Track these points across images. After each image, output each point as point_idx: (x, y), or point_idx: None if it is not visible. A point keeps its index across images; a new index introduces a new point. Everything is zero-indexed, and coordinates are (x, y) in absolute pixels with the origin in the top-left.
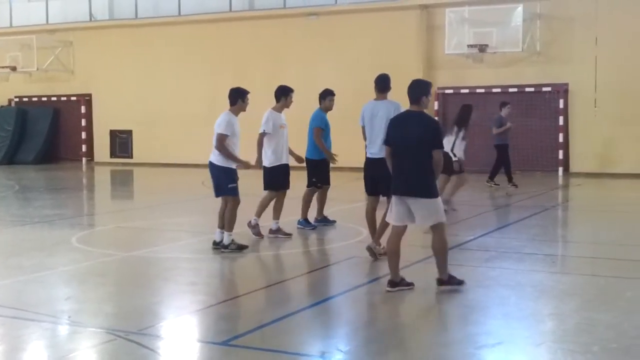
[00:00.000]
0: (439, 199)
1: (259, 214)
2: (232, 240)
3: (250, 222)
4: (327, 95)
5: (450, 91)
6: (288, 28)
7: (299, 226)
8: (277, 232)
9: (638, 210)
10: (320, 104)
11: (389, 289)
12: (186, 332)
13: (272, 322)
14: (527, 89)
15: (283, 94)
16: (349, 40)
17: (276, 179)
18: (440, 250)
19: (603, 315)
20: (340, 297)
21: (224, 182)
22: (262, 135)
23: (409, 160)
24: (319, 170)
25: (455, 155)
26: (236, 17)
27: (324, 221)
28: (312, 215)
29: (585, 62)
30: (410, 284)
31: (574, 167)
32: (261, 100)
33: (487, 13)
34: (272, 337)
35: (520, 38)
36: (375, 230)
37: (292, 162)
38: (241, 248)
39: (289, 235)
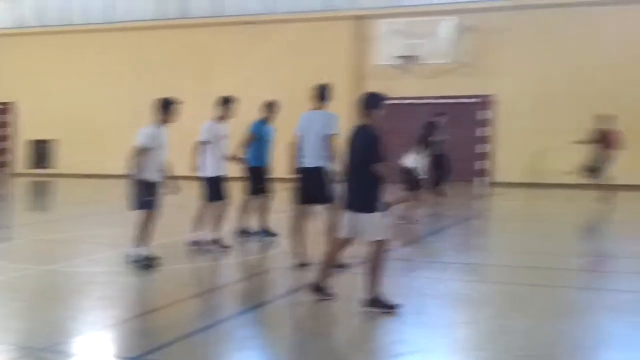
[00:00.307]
0: (381, 215)
1: (198, 228)
2: (143, 256)
3: (193, 240)
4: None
5: None
6: (222, 37)
7: (262, 238)
8: (214, 243)
9: (556, 220)
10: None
11: (312, 293)
12: (99, 348)
13: (187, 336)
14: (455, 100)
15: (223, 105)
16: (283, 50)
17: (218, 190)
18: (373, 268)
19: (516, 322)
20: (259, 310)
21: (140, 194)
22: (201, 144)
23: (351, 175)
24: (259, 177)
25: (416, 172)
26: (169, 25)
27: (266, 233)
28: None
29: (512, 74)
30: (332, 295)
31: (499, 177)
32: (193, 111)
33: (418, 25)
34: (187, 351)
35: (449, 50)
36: (298, 240)
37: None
38: (150, 266)
39: (227, 247)
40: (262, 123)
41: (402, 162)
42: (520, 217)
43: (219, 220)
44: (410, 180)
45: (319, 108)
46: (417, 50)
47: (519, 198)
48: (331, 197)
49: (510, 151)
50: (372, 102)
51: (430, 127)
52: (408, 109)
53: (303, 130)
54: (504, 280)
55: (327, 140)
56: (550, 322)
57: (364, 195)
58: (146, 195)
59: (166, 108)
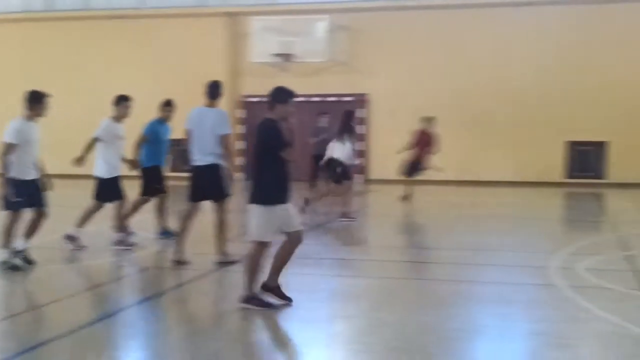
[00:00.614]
0: (265, 209)
1: (80, 224)
2: (13, 256)
3: (68, 235)
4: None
5: (256, 99)
6: (90, 31)
7: (162, 237)
8: (121, 242)
9: (425, 215)
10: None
11: (242, 303)
12: None
13: (60, 336)
14: (330, 99)
15: (119, 104)
16: (155, 46)
17: (111, 190)
18: (246, 265)
19: (389, 315)
20: (137, 308)
21: (7, 193)
22: (95, 140)
23: (254, 168)
24: (155, 176)
25: (341, 162)
26: (35, 18)
27: (168, 233)
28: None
29: (385, 74)
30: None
31: (374, 174)
32: (62, 105)
33: (292, 23)
34: (54, 354)
35: (325, 49)
36: (184, 237)
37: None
38: (18, 267)
39: (83, 247)
40: (158, 122)
41: (327, 154)
42: (391, 212)
43: (88, 218)
44: (333, 171)
45: (211, 105)
46: (293, 48)
47: (392, 194)
48: (225, 194)
49: (384, 148)
50: (276, 96)
51: (349, 115)
52: None
53: (193, 126)
54: (378, 275)
55: (222, 139)
56: (421, 313)
57: (256, 186)
58: (14, 195)
59: (35, 101)
